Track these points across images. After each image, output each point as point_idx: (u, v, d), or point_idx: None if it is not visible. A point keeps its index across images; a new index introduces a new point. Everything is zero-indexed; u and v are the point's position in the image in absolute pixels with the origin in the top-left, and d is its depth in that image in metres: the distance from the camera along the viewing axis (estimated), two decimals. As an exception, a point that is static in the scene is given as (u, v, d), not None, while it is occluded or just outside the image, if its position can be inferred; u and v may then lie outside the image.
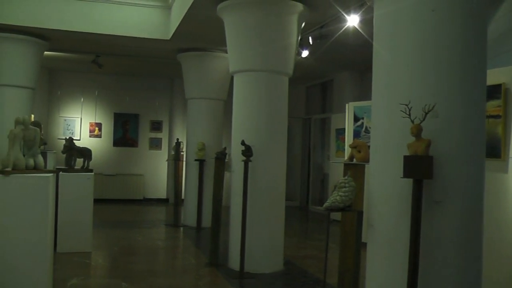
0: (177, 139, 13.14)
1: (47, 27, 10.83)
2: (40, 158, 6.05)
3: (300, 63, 8.61)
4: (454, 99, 4.17)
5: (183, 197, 13.09)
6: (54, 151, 11.87)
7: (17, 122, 5.84)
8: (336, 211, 4.56)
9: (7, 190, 5.51)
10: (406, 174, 4.05)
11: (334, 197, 4.50)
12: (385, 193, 4.43)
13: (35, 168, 5.92)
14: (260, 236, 7.89)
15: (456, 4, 4.22)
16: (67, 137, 9.55)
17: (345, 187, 4.55)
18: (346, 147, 11.18)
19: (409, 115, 4.03)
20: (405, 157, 4.06)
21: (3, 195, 5.43)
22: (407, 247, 4.05)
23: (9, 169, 5.61)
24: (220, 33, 8.92)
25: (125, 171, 17.21)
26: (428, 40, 4.23)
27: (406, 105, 4.04)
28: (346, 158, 9.08)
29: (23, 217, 5.57)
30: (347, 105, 11.32)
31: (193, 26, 9.98)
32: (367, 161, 5.21)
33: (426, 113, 3.99)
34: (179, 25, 10.05)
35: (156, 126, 17.54)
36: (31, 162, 5.87)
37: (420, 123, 3.98)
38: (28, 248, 5.58)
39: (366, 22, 8.12)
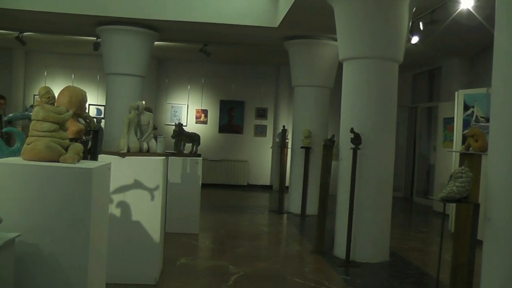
0: (283, 126, 13.21)
1: (157, 19, 11.24)
2: (153, 142, 6.27)
3: (407, 50, 8.36)
4: None
5: (287, 184, 13.15)
6: (164, 135, 12.24)
7: (132, 108, 6.07)
8: (452, 202, 4.42)
9: (123, 171, 5.79)
10: (529, 165, 3.85)
11: (450, 188, 4.35)
12: (505, 184, 4.23)
13: (148, 152, 6.14)
14: (367, 225, 7.80)
15: None
16: (177, 123, 9.81)
17: (461, 177, 4.38)
18: (455, 137, 10.79)
19: (534, 102, 3.82)
20: (528, 147, 3.86)
21: (120, 175, 5.70)
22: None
23: (124, 151, 5.86)
24: (329, 21, 8.83)
25: (230, 157, 17.54)
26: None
27: (531, 92, 3.83)
28: (458, 148, 8.73)
29: (137, 197, 5.84)
30: (456, 93, 10.87)
31: (301, 13, 9.93)
32: (485, 150, 5.01)
33: (553, 101, 3.76)
34: (287, 13, 10.03)
35: (261, 113, 17.71)
36: (145, 145, 6.11)
37: (547, 111, 3.77)
38: (142, 226, 5.86)
39: (481, 4, 7.76)
